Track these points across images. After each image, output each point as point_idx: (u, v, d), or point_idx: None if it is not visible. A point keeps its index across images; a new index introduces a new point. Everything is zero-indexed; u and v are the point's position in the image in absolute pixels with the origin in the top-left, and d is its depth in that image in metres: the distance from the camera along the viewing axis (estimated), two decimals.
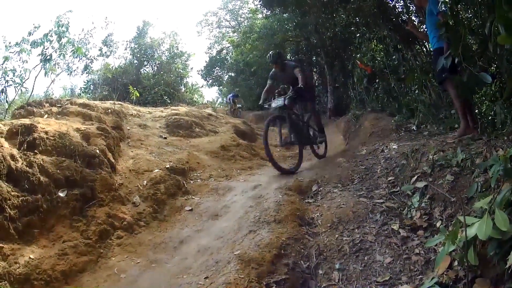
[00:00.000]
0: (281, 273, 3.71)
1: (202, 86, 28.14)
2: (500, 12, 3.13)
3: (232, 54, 27.60)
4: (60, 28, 12.61)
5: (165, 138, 9.54)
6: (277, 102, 7.56)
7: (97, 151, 6.27)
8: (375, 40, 11.66)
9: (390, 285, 3.47)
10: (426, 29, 5.97)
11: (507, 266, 2.46)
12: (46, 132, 5.97)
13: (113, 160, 6.60)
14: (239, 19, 33.73)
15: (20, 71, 11.62)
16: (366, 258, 3.86)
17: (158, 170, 6.89)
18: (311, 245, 4.19)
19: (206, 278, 3.85)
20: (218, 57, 29.25)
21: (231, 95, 22.26)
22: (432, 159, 4.80)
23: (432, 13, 5.40)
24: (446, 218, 3.96)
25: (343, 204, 4.88)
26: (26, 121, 6.30)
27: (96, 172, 5.88)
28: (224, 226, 5.09)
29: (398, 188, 5.02)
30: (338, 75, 15.62)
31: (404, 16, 10.58)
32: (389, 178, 5.34)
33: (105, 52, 18.21)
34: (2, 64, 11.29)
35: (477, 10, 5.26)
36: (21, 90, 12.03)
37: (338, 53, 15.45)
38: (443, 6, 5.09)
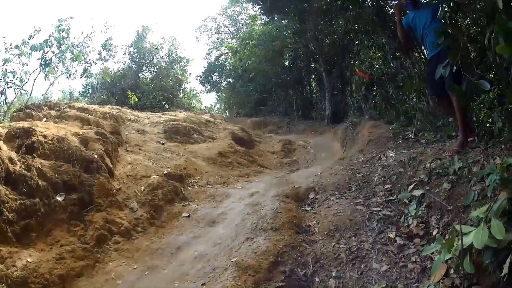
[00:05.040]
0: (278, 281, 3.73)
1: (201, 92, 27.97)
2: (500, 22, 3.15)
3: (230, 60, 27.55)
4: (60, 33, 12.64)
5: (163, 144, 9.52)
6: None
7: (95, 156, 6.28)
8: (373, 48, 11.67)
9: None
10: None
11: (503, 274, 2.49)
12: (45, 136, 5.99)
13: (111, 165, 6.61)
14: (238, 25, 33.67)
15: (20, 73, 11.65)
16: (362, 266, 3.88)
17: (155, 176, 6.90)
18: (308, 253, 4.21)
19: (203, 284, 3.86)
20: (216, 62, 29.15)
21: None
22: (429, 167, 4.82)
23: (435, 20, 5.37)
24: (443, 226, 3.98)
25: (340, 212, 4.89)
26: (25, 124, 6.32)
27: (94, 177, 5.89)
28: (221, 233, 5.10)
29: (395, 196, 5.03)
30: (336, 82, 15.61)
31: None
32: (386, 186, 5.35)
33: (104, 56, 18.16)
34: (2, 65, 11.31)
35: (476, 18, 5.28)
36: (20, 92, 12.07)
37: (337, 60, 15.43)
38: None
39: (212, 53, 32.68)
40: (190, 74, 25.36)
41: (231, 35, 33.86)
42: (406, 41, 6.40)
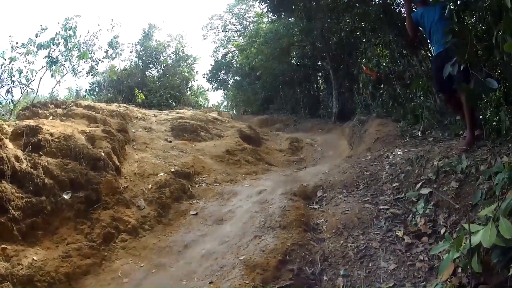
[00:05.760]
0: (286, 279, 3.72)
1: (208, 90, 27.85)
2: (508, 21, 3.13)
3: (237, 58, 27.39)
4: (67, 31, 12.66)
5: (170, 141, 9.51)
6: None
7: (102, 153, 6.29)
8: (380, 46, 11.62)
9: None
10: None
11: (510, 273, 2.49)
12: (51, 134, 6.00)
13: (118, 163, 6.62)
14: (245, 23, 33.51)
15: (26, 72, 11.66)
16: (370, 265, 3.87)
17: (163, 173, 6.90)
18: (316, 251, 4.20)
19: (210, 283, 3.87)
20: (223, 60, 29.05)
21: None
22: (437, 165, 4.80)
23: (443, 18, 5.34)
24: (451, 225, 3.96)
25: (348, 210, 4.88)
26: (31, 122, 6.33)
27: (101, 175, 5.89)
28: (229, 231, 5.10)
29: (403, 194, 5.01)
30: (343, 80, 15.50)
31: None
32: (394, 184, 5.33)
33: (111, 54, 18.15)
34: (9, 64, 11.32)
35: (482, 16, 5.25)
36: (26, 91, 12.09)
37: (344, 58, 15.34)
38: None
39: (219, 51, 32.65)
40: (197, 72, 25.34)
41: (238, 33, 33.74)
42: (414, 33, 6.35)
